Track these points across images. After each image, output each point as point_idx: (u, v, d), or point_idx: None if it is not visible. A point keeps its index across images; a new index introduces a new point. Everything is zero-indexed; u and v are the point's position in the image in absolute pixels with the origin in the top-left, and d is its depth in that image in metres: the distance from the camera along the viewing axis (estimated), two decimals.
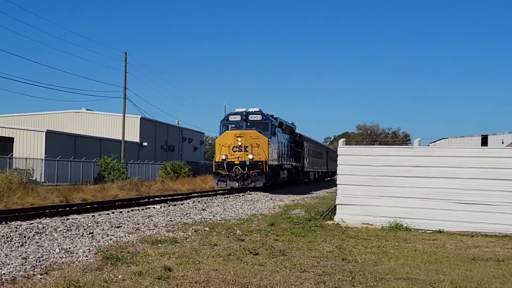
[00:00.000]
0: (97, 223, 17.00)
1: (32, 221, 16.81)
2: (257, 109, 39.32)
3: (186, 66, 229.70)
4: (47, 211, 19.48)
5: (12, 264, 10.35)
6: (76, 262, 10.82)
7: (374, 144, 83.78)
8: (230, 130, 38.67)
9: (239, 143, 36.97)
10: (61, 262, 10.74)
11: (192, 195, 32.75)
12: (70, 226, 15.77)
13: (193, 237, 14.66)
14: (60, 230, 14.98)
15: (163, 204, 25.21)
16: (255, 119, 38.89)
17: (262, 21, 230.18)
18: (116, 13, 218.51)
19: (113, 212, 20.52)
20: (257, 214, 21.89)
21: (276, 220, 19.55)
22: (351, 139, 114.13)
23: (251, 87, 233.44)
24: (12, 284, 8.85)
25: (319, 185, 57.59)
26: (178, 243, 13.51)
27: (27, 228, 14.93)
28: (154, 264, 10.56)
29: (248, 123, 38.65)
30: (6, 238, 13.25)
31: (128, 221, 17.87)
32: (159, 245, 13.09)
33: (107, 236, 14.28)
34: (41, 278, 9.36)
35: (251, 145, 36.72)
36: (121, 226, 16.43)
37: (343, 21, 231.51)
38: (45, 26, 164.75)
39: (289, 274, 10.03)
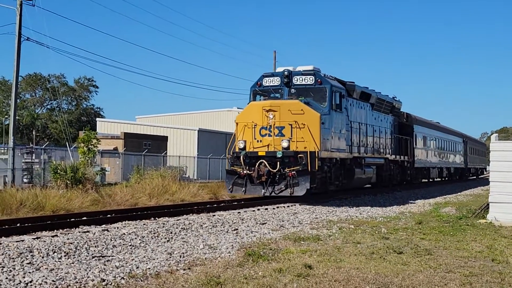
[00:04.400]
0: (243, 219, 17.22)
1: (179, 218, 17.25)
2: (309, 67, 24.99)
3: (330, 62, 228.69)
4: (195, 207, 20.00)
5: (157, 259, 10.67)
6: (218, 258, 10.97)
7: None
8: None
9: (270, 122, 22.87)
10: (204, 258, 10.92)
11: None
12: (216, 223, 16.06)
13: (336, 234, 14.47)
14: (206, 227, 15.29)
15: None
16: (303, 82, 24.36)
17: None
18: (264, 12, 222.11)
19: (258, 209, 20.65)
20: (405, 212, 21.30)
21: (425, 218, 18.92)
22: (510, 134, 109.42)
23: (400, 83, 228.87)
24: (155, 279, 9.09)
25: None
26: (321, 240, 13.37)
27: (174, 224, 15.37)
28: (295, 262, 10.50)
29: (293, 90, 24.29)
30: (154, 233, 13.70)
31: (273, 218, 17.95)
32: (302, 242, 13.02)
33: (251, 233, 14.40)
34: (183, 273, 9.55)
35: (290, 124, 22.57)
36: (265, 223, 16.52)
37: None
38: (195, 27, 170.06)
39: (433, 274, 9.60)
